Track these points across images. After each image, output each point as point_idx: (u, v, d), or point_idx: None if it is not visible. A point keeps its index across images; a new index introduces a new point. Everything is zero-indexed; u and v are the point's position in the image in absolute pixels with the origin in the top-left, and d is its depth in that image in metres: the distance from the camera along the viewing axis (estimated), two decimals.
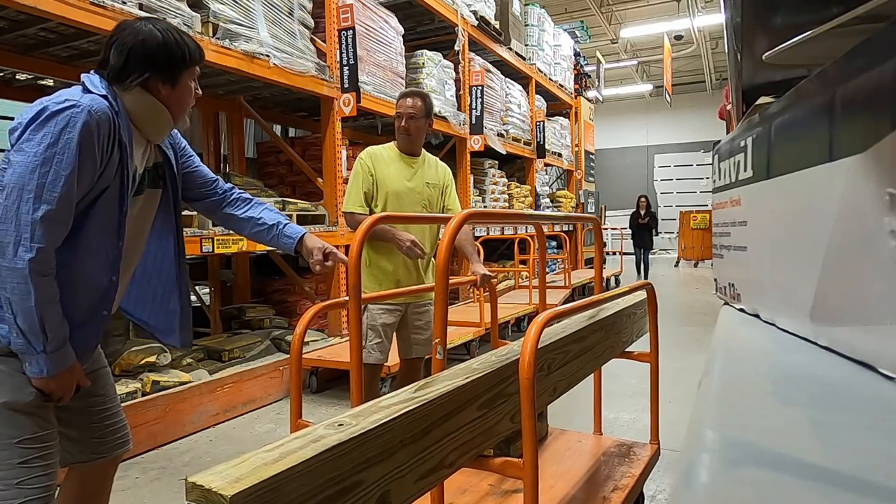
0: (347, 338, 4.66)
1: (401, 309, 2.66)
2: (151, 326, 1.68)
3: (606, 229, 14.54)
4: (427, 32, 6.37)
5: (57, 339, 1.31)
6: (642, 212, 10.75)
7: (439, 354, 1.42)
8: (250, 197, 1.81)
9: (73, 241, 1.35)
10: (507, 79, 7.47)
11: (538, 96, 8.76)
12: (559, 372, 1.56)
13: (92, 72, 1.41)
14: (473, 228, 3.19)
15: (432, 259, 2.77)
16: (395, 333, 2.69)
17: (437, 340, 1.44)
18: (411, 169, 2.68)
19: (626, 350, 2.22)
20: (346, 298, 1.89)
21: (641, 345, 2.32)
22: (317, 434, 0.89)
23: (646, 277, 10.36)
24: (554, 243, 9.70)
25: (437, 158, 2.87)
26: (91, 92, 1.35)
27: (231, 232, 3.50)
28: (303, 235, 1.73)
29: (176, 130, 1.65)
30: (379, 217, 1.61)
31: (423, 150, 2.77)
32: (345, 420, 0.96)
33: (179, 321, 1.66)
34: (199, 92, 1.55)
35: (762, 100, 1.38)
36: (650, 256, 11.13)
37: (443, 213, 2.77)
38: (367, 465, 0.92)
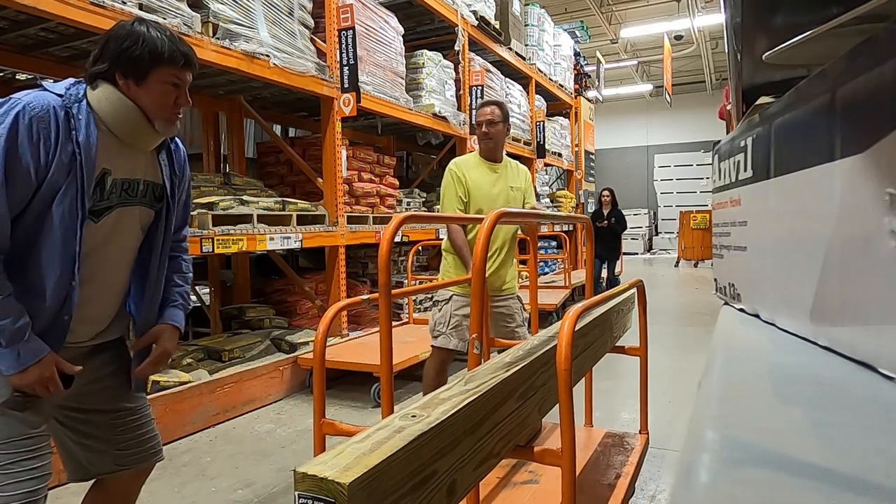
0: (347, 338, 4.68)
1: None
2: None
3: None
4: (427, 32, 6.37)
5: (12, 334, 1.27)
6: (605, 210, 7.85)
7: (476, 349, 1.49)
8: (182, 264, 1.70)
9: (31, 244, 1.32)
10: (507, 79, 7.47)
11: (538, 96, 8.76)
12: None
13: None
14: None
15: (513, 256, 2.94)
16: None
17: (474, 336, 1.50)
18: (495, 174, 2.85)
19: (617, 345, 2.30)
20: (366, 297, 1.87)
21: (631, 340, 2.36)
22: (397, 425, 0.92)
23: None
24: (554, 243, 9.71)
25: (517, 161, 3.04)
26: (46, 91, 1.32)
27: (231, 232, 3.52)
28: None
29: (187, 170, 1.61)
30: (404, 216, 1.60)
31: (505, 156, 2.94)
32: (416, 412, 0.98)
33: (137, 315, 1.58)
34: (188, 100, 1.47)
35: (762, 100, 1.38)
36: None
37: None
38: (440, 454, 0.94)
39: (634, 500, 2.40)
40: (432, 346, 2.78)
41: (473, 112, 6.39)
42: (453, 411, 0.99)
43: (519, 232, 2.96)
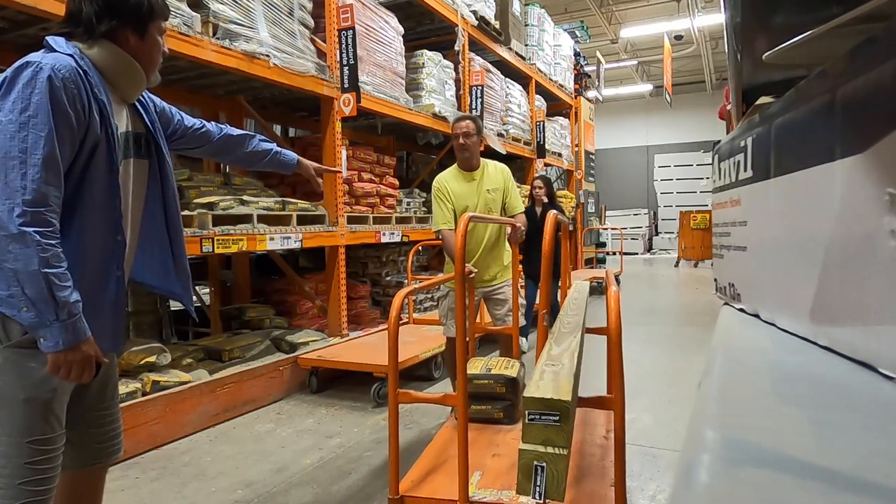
0: (347, 338, 4.68)
1: (477, 295, 3.19)
2: (161, 290, 1.68)
3: (606, 229, 14.51)
4: (427, 32, 6.37)
5: (69, 308, 1.27)
6: (538, 209, 5.31)
7: (546, 321, 1.86)
8: (242, 132, 1.94)
9: (76, 204, 1.34)
10: (507, 79, 7.47)
11: (538, 96, 8.75)
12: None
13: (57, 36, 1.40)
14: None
15: (504, 250, 3.29)
16: (484, 311, 3.36)
17: (544, 311, 1.87)
18: (473, 181, 3.21)
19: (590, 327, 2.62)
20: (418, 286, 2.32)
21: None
22: (552, 369, 1.29)
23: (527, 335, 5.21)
24: None
25: (496, 162, 3.33)
26: (55, 51, 1.34)
27: (231, 232, 3.52)
28: (298, 159, 2.08)
29: (158, 102, 1.67)
30: (470, 217, 1.98)
31: (482, 159, 3.26)
32: (551, 363, 1.36)
33: (179, 286, 1.66)
34: (167, 50, 1.55)
35: (762, 100, 1.38)
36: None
37: (504, 208, 3.25)
38: (574, 390, 1.26)
39: (634, 501, 2.40)
40: (445, 335, 3.31)
41: (473, 112, 6.40)
42: (574, 360, 1.33)
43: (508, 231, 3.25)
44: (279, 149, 2.03)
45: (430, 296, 6.08)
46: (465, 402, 1.82)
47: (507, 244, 3.26)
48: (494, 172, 3.26)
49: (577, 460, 2.25)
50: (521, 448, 1.08)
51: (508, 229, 3.12)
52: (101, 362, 1.38)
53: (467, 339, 3.21)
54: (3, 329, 1.30)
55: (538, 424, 1.06)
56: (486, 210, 3.19)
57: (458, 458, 1.82)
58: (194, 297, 5.34)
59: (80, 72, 1.33)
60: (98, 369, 1.38)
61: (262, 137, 2.00)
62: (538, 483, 1.01)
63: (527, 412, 1.05)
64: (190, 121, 1.78)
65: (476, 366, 2.59)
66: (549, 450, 1.06)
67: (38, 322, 1.25)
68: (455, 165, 3.27)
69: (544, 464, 1.03)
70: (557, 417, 1.05)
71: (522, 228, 3.02)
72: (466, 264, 2.94)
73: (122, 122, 1.48)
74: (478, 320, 3.27)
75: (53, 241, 1.26)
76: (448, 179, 3.22)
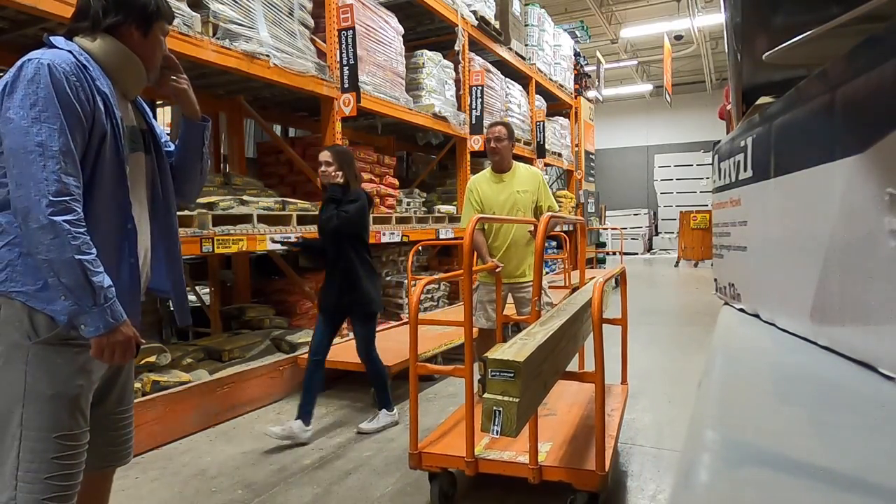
0: (347, 338, 4.68)
1: (504, 289, 3.44)
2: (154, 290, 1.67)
3: (606, 229, 14.50)
4: (427, 32, 6.37)
5: (105, 292, 1.30)
6: (331, 187, 3.17)
7: (538, 307, 2.11)
8: None
9: (88, 194, 1.36)
10: (507, 79, 7.47)
11: (538, 96, 8.75)
12: (584, 328, 2.29)
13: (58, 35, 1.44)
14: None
15: (532, 249, 3.39)
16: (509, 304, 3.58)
17: (535, 298, 2.11)
18: (502, 183, 3.45)
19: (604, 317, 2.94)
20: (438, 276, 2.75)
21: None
22: (521, 342, 1.51)
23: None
24: (554, 243, 9.70)
25: (529, 166, 3.61)
26: (55, 48, 1.37)
27: (231, 232, 3.52)
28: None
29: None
30: (478, 218, 2.25)
31: (514, 162, 3.51)
32: (525, 337, 1.54)
33: (171, 286, 1.65)
34: (167, 50, 1.59)
35: (762, 100, 1.38)
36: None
37: (537, 209, 3.45)
38: (545, 360, 1.49)
39: (635, 501, 2.40)
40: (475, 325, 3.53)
41: (473, 112, 6.41)
42: (549, 335, 1.54)
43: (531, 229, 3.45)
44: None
45: (429, 296, 6.08)
46: (470, 373, 2.19)
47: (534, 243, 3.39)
48: (526, 175, 3.48)
49: (577, 429, 2.56)
50: (485, 396, 1.32)
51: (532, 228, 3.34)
52: (140, 343, 1.41)
53: (494, 328, 3.42)
54: (32, 325, 1.32)
55: (498, 379, 1.31)
56: (514, 211, 3.38)
57: (465, 421, 2.18)
58: (194, 298, 5.35)
59: (80, 65, 1.35)
60: (138, 350, 1.40)
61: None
62: (496, 423, 1.27)
63: (489, 370, 1.30)
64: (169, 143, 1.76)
65: (497, 350, 2.88)
66: (506, 398, 1.30)
67: (77, 309, 1.28)
68: (489, 167, 3.51)
69: (501, 409, 1.29)
70: (512, 374, 1.30)
71: (532, 228, 3.20)
72: (493, 259, 3.28)
73: (126, 116, 1.49)
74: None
75: (81, 229, 1.28)
76: (479, 182, 3.48)
